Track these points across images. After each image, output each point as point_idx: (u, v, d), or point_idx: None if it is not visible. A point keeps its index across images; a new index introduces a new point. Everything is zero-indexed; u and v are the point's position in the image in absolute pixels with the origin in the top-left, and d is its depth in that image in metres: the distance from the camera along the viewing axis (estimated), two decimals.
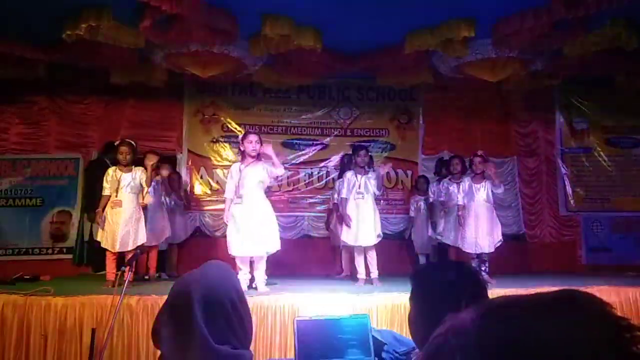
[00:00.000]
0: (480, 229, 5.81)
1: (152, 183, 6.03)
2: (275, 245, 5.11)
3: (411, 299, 1.59)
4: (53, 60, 6.48)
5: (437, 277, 1.56)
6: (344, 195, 5.89)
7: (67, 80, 7.40)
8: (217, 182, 8.02)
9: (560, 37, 5.80)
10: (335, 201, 6.61)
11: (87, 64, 6.62)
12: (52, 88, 7.62)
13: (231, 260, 5.00)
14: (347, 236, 5.80)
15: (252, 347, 1.46)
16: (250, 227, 4.99)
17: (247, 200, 5.07)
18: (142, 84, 7.32)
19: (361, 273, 5.78)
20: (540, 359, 0.41)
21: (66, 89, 7.70)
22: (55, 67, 6.75)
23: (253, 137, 5.19)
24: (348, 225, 5.75)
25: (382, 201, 7.58)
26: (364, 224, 5.72)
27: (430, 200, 7.17)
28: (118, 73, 7.01)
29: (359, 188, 5.79)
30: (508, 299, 0.49)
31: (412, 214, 7.54)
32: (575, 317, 0.45)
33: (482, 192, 5.92)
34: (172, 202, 6.78)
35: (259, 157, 5.22)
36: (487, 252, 5.82)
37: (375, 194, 5.88)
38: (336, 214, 6.52)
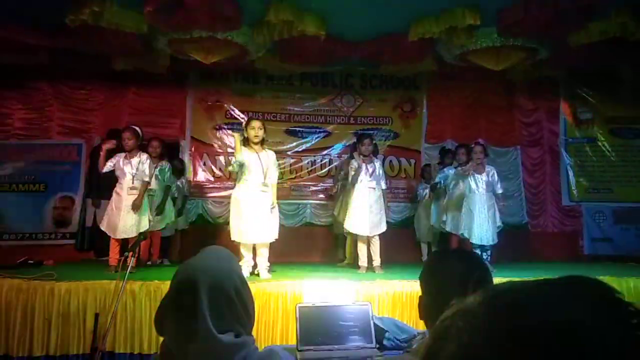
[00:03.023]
0: (484, 221, 5.78)
1: (156, 171, 6.04)
2: (275, 234, 5.13)
3: (424, 282, 1.60)
4: (55, 46, 6.45)
5: (446, 265, 1.57)
6: (349, 180, 5.90)
7: (70, 66, 7.37)
8: (220, 169, 8.03)
9: (565, 27, 5.76)
10: (336, 189, 6.62)
11: (90, 49, 6.59)
12: (54, 74, 7.61)
13: (233, 247, 5.02)
14: (354, 225, 5.80)
15: (254, 333, 1.47)
16: (255, 214, 4.99)
17: (251, 187, 5.07)
18: (145, 70, 7.29)
19: (363, 261, 5.81)
20: (546, 342, 0.42)
21: (69, 75, 7.69)
22: (57, 53, 6.73)
23: (256, 124, 5.16)
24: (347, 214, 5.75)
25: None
26: (371, 214, 5.73)
27: (430, 185, 7.14)
28: (121, 59, 6.98)
29: (370, 178, 5.79)
30: (515, 283, 0.49)
31: (417, 200, 7.57)
32: (583, 301, 0.45)
33: (484, 183, 5.89)
34: (175, 188, 6.80)
35: (262, 143, 5.21)
36: (491, 243, 5.80)
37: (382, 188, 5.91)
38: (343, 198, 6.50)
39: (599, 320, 0.42)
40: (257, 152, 5.11)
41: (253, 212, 4.99)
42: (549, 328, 0.42)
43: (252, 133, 5.11)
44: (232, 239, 5.06)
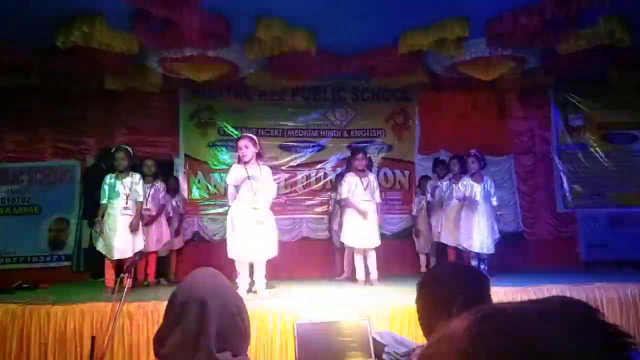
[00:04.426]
0: (483, 229, 5.79)
1: (151, 190, 6.04)
2: (273, 251, 5.10)
3: (418, 303, 1.60)
4: (47, 67, 6.46)
5: (442, 281, 1.57)
6: (344, 196, 5.90)
7: (62, 87, 7.38)
8: (215, 186, 8.02)
9: (553, 35, 5.82)
10: (338, 199, 6.63)
11: (82, 70, 6.60)
12: (46, 94, 7.60)
13: (230, 265, 5.00)
14: (350, 238, 5.81)
15: (252, 352, 1.47)
16: (247, 233, 4.97)
17: (242, 205, 5.05)
18: (137, 89, 7.30)
19: (360, 274, 5.79)
20: None
21: (61, 95, 7.68)
22: (49, 74, 6.74)
23: (241, 142, 5.10)
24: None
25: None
26: (367, 227, 5.73)
27: (428, 199, 7.17)
28: (113, 79, 6.99)
29: (364, 191, 5.80)
30: (499, 306, 0.50)
31: (414, 213, 7.55)
32: (567, 324, 0.45)
33: (482, 191, 5.91)
34: (170, 208, 6.78)
35: (258, 158, 5.18)
36: (491, 252, 5.80)
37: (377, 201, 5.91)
38: (340, 212, 6.47)
39: (584, 345, 0.43)
40: (247, 170, 5.09)
41: (245, 230, 4.96)
42: (533, 354, 0.42)
43: (239, 152, 5.10)
44: (229, 256, 5.04)
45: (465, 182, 5.96)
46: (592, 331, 0.45)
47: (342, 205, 6.18)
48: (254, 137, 5.25)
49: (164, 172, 7.02)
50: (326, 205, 7.94)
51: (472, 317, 0.48)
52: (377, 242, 5.80)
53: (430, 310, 1.46)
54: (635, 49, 6.07)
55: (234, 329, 1.35)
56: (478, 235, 5.76)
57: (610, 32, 5.60)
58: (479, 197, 5.89)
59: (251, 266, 5.12)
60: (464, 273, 1.60)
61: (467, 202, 5.92)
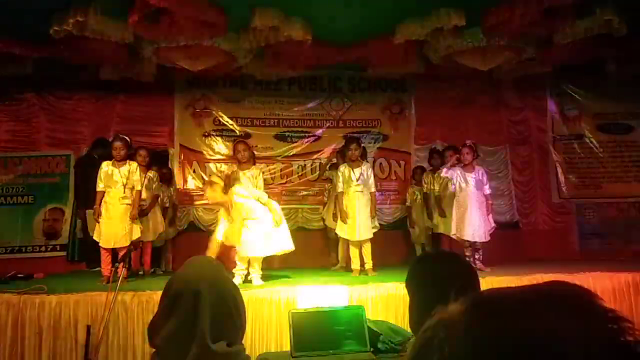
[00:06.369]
0: (475, 218, 5.80)
1: (145, 181, 6.04)
2: (288, 244, 5.19)
3: (407, 289, 1.60)
4: (41, 56, 6.41)
5: (430, 268, 1.57)
6: (339, 189, 5.89)
7: (56, 76, 7.32)
8: (210, 176, 7.99)
9: (550, 25, 5.80)
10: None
11: (76, 59, 6.55)
12: (41, 84, 7.55)
13: (224, 254, 5.01)
14: (344, 230, 5.81)
15: (248, 341, 1.48)
16: (262, 228, 5.03)
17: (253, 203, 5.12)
18: (132, 79, 7.26)
19: (356, 264, 5.80)
20: (529, 352, 0.41)
21: (55, 85, 7.63)
22: (43, 63, 6.68)
23: (240, 147, 5.61)
24: (344, 221, 5.77)
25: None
26: (361, 218, 5.73)
27: (424, 190, 7.18)
28: (107, 68, 6.95)
29: (357, 182, 5.79)
30: (497, 291, 0.49)
31: (408, 203, 7.56)
32: (565, 309, 0.45)
33: (473, 181, 5.91)
34: (166, 198, 6.77)
35: (254, 161, 5.32)
36: (483, 241, 5.82)
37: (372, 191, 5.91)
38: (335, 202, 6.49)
39: (582, 329, 0.42)
40: (242, 170, 5.39)
41: (260, 226, 5.06)
42: (531, 339, 0.42)
43: (238, 156, 5.65)
44: (247, 254, 5.09)
45: (456, 173, 5.96)
46: (591, 316, 0.44)
47: (334, 193, 6.21)
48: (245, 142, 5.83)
49: (159, 162, 7.00)
50: (321, 196, 7.94)
51: (470, 302, 0.48)
52: (370, 234, 5.79)
53: (424, 296, 1.46)
54: (632, 39, 6.07)
55: (229, 319, 1.35)
56: (470, 225, 5.77)
57: (607, 22, 5.58)
58: (470, 187, 5.89)
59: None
60: (457, 260, 1.60)
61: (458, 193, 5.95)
